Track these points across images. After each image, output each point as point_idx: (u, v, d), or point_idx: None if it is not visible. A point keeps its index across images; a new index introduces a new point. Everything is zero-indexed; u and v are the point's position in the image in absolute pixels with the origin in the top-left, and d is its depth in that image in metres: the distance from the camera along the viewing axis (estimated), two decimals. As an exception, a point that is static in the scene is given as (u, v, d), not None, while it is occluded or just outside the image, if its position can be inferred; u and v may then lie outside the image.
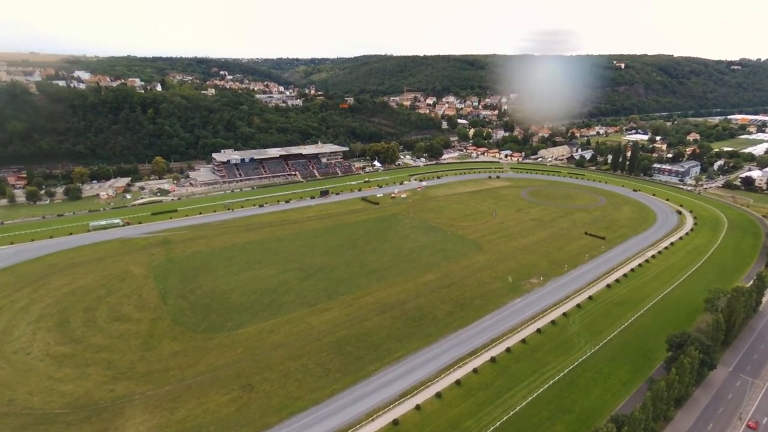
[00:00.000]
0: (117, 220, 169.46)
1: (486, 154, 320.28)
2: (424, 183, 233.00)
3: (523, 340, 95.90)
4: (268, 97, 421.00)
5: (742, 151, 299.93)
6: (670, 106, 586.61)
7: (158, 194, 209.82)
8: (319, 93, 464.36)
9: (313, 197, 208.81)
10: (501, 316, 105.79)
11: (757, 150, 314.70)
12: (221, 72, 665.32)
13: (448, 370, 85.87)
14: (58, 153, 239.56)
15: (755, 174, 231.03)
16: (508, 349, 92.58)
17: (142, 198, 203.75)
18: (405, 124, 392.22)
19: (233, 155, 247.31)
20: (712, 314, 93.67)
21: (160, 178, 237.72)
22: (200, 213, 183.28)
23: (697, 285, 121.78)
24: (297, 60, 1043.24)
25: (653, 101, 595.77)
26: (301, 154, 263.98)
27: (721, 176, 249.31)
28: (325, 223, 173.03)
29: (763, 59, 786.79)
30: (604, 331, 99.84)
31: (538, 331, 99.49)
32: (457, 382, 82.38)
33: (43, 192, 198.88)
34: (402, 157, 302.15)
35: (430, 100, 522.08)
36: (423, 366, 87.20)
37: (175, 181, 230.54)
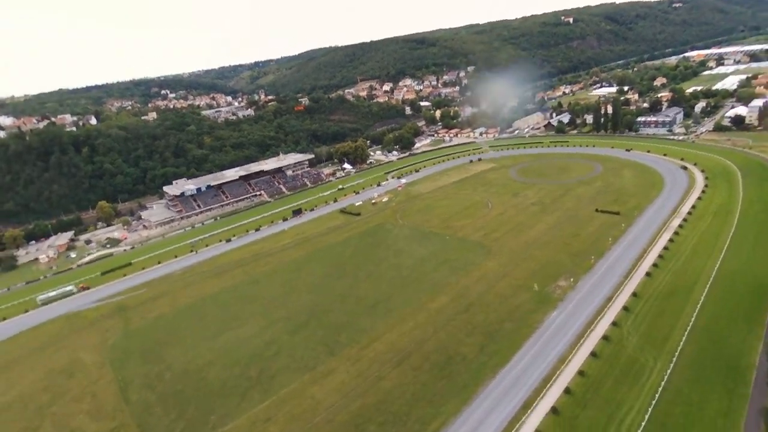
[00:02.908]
0: (70, 287, 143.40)
1: (459, 135, 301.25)
2: (403, 180, 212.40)
3: (581, 372, 77.03)
4: (216, 111, 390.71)
5: (715, 88, 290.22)
6: (624, 54, 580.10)
7: (108, 246, 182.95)
8: (270, 98, 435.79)
9: (285, 219, 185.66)
10: (542, 342, 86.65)
11: (727, 84, 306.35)
12: (162, 91, 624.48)
13: (505, 441, 66.51)
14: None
15: (743, 111, 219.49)
16: (567, 390, 73.77)
17: (89, 254, 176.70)
18: (367, 116, 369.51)
19: (187, 185, 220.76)
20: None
21: (107, 225, 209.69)
22: (159, 262, 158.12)
23: (746, 254, 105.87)
24: (240, 66, 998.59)
25: (607, 51, 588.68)
26: (262, 171, 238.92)
27: (706, 119, 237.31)
28: (305, 249, 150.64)
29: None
30: (669, 339, 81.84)
31: (594, 355, 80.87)
32: (522, 459, 63.18)
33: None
34: (372, 153, 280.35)
35: (386, 87, 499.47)
36: (471, 440, 67.62)
37: (125, 226, 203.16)
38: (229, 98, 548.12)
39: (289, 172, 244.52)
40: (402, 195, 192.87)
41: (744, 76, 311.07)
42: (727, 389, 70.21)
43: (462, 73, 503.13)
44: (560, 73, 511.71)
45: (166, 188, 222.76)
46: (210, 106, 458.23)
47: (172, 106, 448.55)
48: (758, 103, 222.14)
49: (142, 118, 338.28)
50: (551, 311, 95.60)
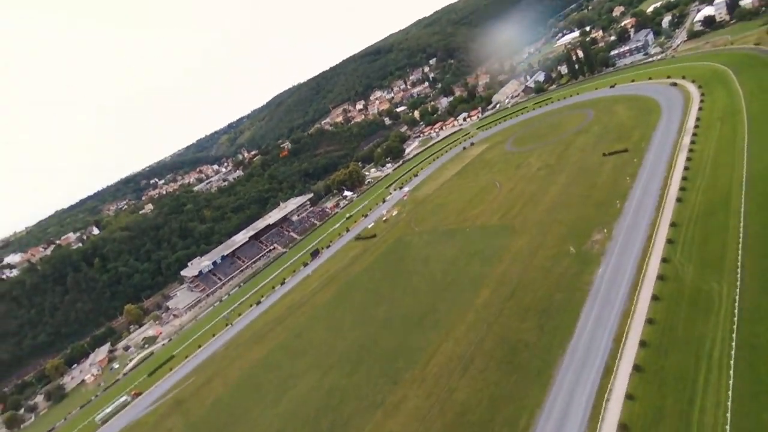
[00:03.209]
0: (124, 398, 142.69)
1: (444, 127, 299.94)
2: (406, 188, 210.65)
3: (650, 321, 73.41)
4: (207, 183, 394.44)
5: (672, 1, 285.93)
6: (558, 4, 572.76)
7: (146, 346, 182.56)
8: (254, 153, 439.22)
9: (305, 263, 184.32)
10: (599, 302, 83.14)
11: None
12: (151, 181, 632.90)
13: (602, 418, 62.89)
14: (22, 356, 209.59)
15: (710, 11, 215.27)
16: (643, 344, 70.22)
17: (131, 359, 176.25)
18: (350, 139, 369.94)
19: (203, 262, 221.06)
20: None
21: (140, 326, 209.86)
22: (199, 346, 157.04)
23: None
24: (215, 133, 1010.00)
25: (540, 6, 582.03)
26: (269, 225, 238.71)
27: (677, 30, 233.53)
28: (335, 287, 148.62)
29: None
30: (725, 258, 77.65)
31: (656, 298, 77.30)
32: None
33: (22, 411, 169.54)
34: (367, 173, 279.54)
35: (359, 105, 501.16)
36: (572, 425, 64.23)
37: (157, 322, 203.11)
38: (215, 166, 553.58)
39: (295, 218, 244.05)
40: (409, 203, 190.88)
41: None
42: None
43: (426, 68, 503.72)
44: (518, 36, 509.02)
45: (183, 272, 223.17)
46: (200, 180, 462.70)
47: (165, 192, 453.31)
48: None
49: (141, 213, 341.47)
50: (596, 269, 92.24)
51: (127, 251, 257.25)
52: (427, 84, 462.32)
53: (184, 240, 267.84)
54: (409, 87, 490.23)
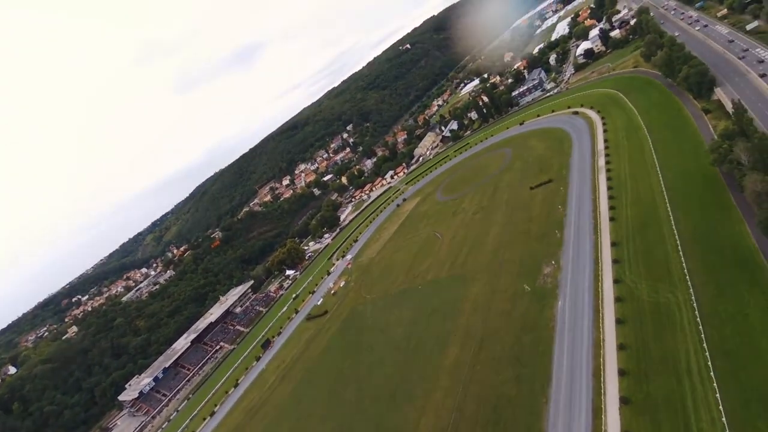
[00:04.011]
0: None
1: (374, 188, 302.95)
2: (349, 256, 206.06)
3: (622, 346, 72.28)
4: (136, 290, 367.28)
5: (554, 39, 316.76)
6: (466, 49, 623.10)
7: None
8: (183, 248, 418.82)
9: (258, 357, 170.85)
10: (568, 336, 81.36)
11: (561, 31, 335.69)
12: (74, 299, 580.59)
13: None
14: None
15: (587, 44, 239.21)
16: (622, 372, 68.31)
17: None
18: (282, 216, 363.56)
19: (143, 381, 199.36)
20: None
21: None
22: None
23: (674, 153, 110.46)
24: (139, 234, 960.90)
25: (452, 54, 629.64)
26: (211, 323, 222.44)
27: (564, 66, 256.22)
28: (295, 377, 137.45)
29: None
30: (670, 266, 79.49)
31: (620, 322, 76.59)
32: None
33: None
34: (306, 248, 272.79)
35: (285, 181, 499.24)
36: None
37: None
38: (144, 270, 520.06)
39: (238, 309, 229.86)
40: (355, 271, 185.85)
41: (568, 18, 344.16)
42: (750, 279, 68.60)
43: (345, 135, 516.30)
44: (424, 91, 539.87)
45: (121, 396, 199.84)
46: (128, 288, 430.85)
47: (90, 309, 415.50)
48: (595, 32, 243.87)
49: (64, 338, 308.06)
50: (555, 302, 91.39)
51: (52, 386, 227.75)
52: (348, 149, 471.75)
53: (117, 359, 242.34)
54: (331, 155, 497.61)
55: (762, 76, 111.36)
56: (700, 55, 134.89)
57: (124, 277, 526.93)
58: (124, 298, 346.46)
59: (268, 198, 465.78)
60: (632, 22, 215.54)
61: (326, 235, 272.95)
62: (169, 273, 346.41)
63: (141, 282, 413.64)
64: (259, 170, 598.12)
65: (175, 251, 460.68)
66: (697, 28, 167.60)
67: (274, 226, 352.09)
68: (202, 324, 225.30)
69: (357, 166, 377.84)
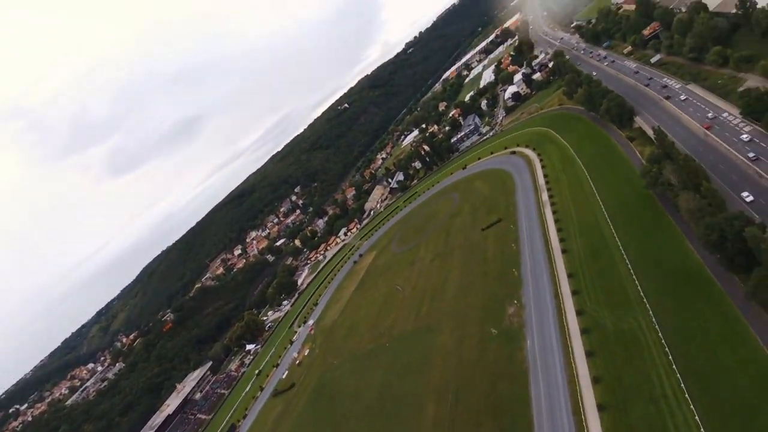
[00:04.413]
0: None
1: (328, 248, 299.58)
2: (311, 321, 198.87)
3: (596, 380, 71.54)
4: (82, 390, 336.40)
5: (483, 86, 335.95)
6: (403, 102, 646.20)
7: None
8: (133, 336, 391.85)
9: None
10: (543, 377, 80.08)
11: (487, 78, 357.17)
12: (11, 410, 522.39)
13: None
14: None
15: (514, 88, 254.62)
16: (601, 407, 67.09)
17: None
18: (238, 288, 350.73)
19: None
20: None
21: None
22: None
23: (608, 179, 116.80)
24: (83, 327, 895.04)
25: (389, 109, 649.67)
26: (169, 416, 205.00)
27: (496, 110, 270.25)
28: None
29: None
30: (628, 293, 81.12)
31: (590, 354, 76.43)
32: None
33: None
34: (266, 318, 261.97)
35: (237, 251, 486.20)
36: None
37: None
38: (91, 365, 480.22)
39: (198, 395, 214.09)
40: (319, 336, 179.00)
41: (492, 66, 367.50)
42: (702, 293, 70.74)
43: (293, 197, 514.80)
44: (367, 146, 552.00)
45: None
46: (73, 389, 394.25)
47: (31, 419, 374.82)
48: (518, 76, 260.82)
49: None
50: (524, 343, 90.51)
51: None
52: (298, 211, 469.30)
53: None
54: (282, 219, 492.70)
55: (667, 98, 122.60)
56: (616, 89, 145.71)
57: (68, 376, 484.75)
58: (69, 401, 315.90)
59: (220, 271, 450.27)
60: (550, 65, 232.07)
61: (285, 302, 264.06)
62: (119, 366, 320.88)
63: (87, 380, 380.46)
64: (208, 243, 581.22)
65: (124, 340, 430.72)
66: (605, 64, 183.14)
67: (229, 299, 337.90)
68: (158, 418, 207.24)
69: (309, 227, 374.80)
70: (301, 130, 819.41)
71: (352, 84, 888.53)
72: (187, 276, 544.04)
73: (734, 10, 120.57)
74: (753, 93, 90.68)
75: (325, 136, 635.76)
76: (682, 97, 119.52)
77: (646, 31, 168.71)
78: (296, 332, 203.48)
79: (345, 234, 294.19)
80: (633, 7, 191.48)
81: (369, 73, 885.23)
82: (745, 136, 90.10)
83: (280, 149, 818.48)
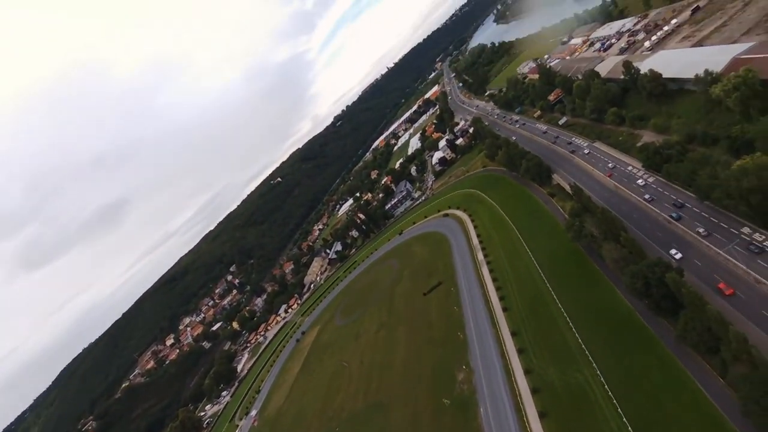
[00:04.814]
0: None
1: (269, 327, 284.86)
2: (253, 411, 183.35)
3: (552, 443, 69.88)
4: None
5: (411, 153, 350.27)
6: (336, 172, 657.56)
7: None
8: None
9: None
10: (500, 447, 77.29)
11: (415, 146, 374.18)
12: None
13: None
14: None
15: (440, 153, 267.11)
16: (562, 473, 65.04)
17: None
18: (171, 383, 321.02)
19: None
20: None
21: None
22: None
23: (536, 233, 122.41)
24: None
25: (322, 180, 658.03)
26: None
27: (426, 174, 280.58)
28: None
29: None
30: (569, 346, 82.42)
31: (544, 415, 75.06)
32: None
33: None
34: (204, 413, 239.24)
35: (169, 340, 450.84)
36: None
37: None
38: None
39: None
40: (263, 428, 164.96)
41: (418, 134, 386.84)
42: (641, 341, 72.58)
43: (229, 277, 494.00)
44: (303, 218, 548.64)
45: None
46: None
47: None
48: (443, 143, 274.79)
49: None
50: (477, 410, 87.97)
51: None
52: (235, 291, 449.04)
53: None
54: (217, 301, 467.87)
55: (572, 152, 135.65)
56: (533, 149, 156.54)
57: None
58: None
59: (150, 365, 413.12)
60: (471, 130, 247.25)
61: (224, 393, 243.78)
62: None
63: None
64: (136, 335, 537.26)
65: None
66: (518, 126, 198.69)
67: (162, 396, 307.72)
68: None
69: (247, 307, 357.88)
70: (235, 207, 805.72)
71: (285, 158, 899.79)
72: (113, 374, 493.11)
73: (622, 76, 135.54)
74: (650, 147, 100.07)
75: (259, 211, 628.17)
76: (586, 151, 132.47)
77: (551, 97, 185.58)
78: (238, 426, 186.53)
79: (285, 311, 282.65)
80: (537, 76, 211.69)
81: (301, 146, 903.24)
82: (640, 181, 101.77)
83: (213, 228, 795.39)
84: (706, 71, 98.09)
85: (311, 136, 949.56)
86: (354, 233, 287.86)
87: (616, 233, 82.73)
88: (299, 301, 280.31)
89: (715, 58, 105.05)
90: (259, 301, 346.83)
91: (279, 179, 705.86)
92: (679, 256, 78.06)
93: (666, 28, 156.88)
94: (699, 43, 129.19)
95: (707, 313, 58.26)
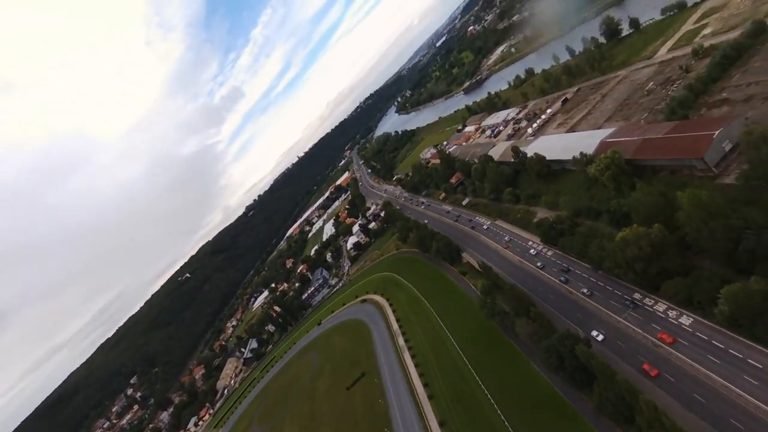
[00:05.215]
0: None
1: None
2: None
3: None
4: None
5: (325, 239, 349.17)
6: (250, 262, 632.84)
7: None
8: None
9: None
10: None
11: (328, 231, 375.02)
12: None
13: None
14: None
15: (354, 238, 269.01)
16: None
17: None
18: None
19: None
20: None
21: None
22: None
23: (452, 313, 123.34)
24: None
25: (235, 272, 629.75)
26: None
27: (342, 260, 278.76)
28: None
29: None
30: (498, 430, 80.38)
31: None
32: None
33: None
34: None
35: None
36: None
37: None
38: None
39: None
40: None
41: (332, 220, 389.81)
42: (563, 416, 72.41)
43: (129, 390, 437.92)
44: (215, 315, 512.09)
45: None
46: None
47: None
48: (356, 228, 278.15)
49: None
50: None
51: None
52: (137, 407, 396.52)
53: None
54: (115, 421, 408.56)
55: (473, 228, 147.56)
56: (441, 230, 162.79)
57: None
58: None
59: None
60: (382, 214, 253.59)
61: None
62: None
63: None
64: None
65: None
66: (422, 208, 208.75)
67: None
68: None
69: (151, 424, 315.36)
70: (137, 309, 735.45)
71: (194, 252, 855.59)
72: None
73: (512, 159, 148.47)
74: (545, 223, 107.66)
75: (165, 312, 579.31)
76: (485, 227, 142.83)
77: (453, 180, 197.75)
78: None
79: (196, 424, 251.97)
80: (439, 161, 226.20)
81: (211, 239, 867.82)
82: (532, 251, 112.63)
83: (111, 335, 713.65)
84: (582, 153, 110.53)
85: (222, 228, 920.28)
86: (270, 328, 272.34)
87: (525, 308, 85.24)
88: (211, 411, 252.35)
89: (586, 141, 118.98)
90: (165, 416, 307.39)
91: (188, 275, 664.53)
92: (601, 337, 76.70)
93: (543, 116, 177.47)
94: (572, 129, 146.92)
95: (618, 383, 59.83)
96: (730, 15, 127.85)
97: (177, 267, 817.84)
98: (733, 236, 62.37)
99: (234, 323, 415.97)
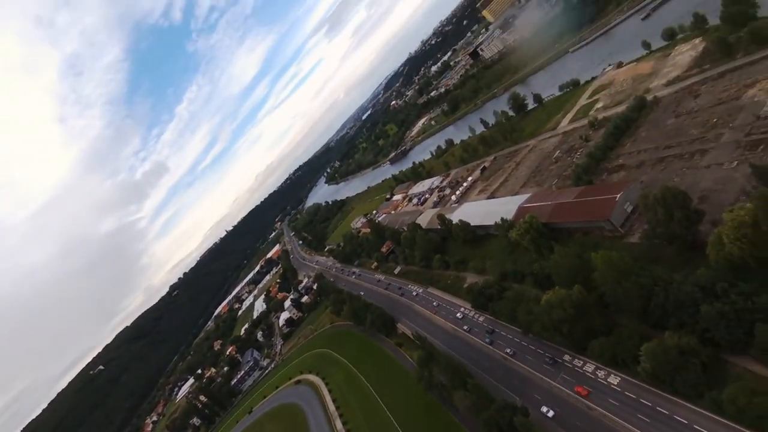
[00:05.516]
0: None
1: None
2: None
3: None
4: None
5: (256, 317, 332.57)
6: (172, 350, 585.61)
7: None
8: None
9: None
10: None
11: (259, 308, 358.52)
12: None
13: None
14: None
15: (286, 314, 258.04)
16: None
17: None
18: None
19: None
20: None
21: None
22: None
23: (389, 389, 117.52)
24: None
25: (158, 359, 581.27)
26: None
27: (273, 340, 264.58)
28: None
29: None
30: None
31: None
32: None
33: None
34: None
35: None
36: None
37: None
38: None
39: None
40: None
41: (263, 296, 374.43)
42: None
43: None
44: (132, 411, 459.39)
45: None
46: None
47: None
48: (288, 303, 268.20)
49: None
50: None
51: None
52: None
53: None
54: None
55: (402, 295, 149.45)
56: (375, 300, 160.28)
57: None
58: None
59: None
60: (315, 287, 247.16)
61: None
62: None
63: None
64: None
65: None
66: (354, 278, 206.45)
67: None
68: None
69: None
70: (38, 413, 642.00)
71: (110, 340, 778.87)
72: None
73: (439, 226, 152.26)
74: (475, 288, 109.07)
75: (73, 413, 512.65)
76: (414, 294, 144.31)
77: (384, 249, 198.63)
78: None
79: None
80: (369, 230, 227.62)
81: (129, 324, 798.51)
82: (459, 314, 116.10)
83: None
84: (503, 219, 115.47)
85: (143, 310, 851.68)
86: (196, 421, 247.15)
87: (462, 380, 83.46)
88: None
89: (506, 207, 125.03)
90: None
91: (101, 367, 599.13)
92: (551, 414, 72.58)
93: (465, 184, 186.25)
94: (492, 195, 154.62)
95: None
96: (616, 92, 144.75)
97: (89, 359, 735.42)
98: (644, 293, 65.81)
99: (155, 418, 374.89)
